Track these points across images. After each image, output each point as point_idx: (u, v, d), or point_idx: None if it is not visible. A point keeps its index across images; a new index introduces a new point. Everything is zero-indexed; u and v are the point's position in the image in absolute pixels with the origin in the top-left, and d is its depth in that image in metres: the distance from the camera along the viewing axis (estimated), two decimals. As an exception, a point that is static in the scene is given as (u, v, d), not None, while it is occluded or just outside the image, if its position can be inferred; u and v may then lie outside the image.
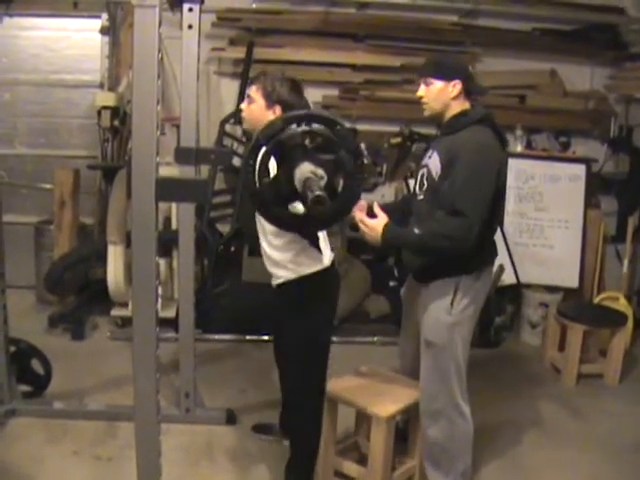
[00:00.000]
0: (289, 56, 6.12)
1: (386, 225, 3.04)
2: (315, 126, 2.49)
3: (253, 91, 3.18)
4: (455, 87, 3.13)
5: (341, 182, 2.54)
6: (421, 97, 3.22)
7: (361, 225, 3.09)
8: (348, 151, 2.50)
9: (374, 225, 3.05)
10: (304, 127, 2.49)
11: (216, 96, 6.30)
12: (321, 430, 3.32)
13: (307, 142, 2.48)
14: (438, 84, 3.15)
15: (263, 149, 2.49)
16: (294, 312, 3.17)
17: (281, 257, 3.10)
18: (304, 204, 2.44)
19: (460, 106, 3.17)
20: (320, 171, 2.43)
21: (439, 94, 3.15)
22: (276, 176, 2.51)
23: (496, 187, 3.06)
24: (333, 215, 2.61)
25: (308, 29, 6.13)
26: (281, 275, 3.15)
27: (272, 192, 2.52)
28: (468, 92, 3.18)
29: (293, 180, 2.44)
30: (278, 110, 3.11)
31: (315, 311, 3.16)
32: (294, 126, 2.49)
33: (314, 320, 3.16)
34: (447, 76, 3.13)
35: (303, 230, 2.84)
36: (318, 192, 2.29)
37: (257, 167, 2.49)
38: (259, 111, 3.15)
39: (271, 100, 3.13)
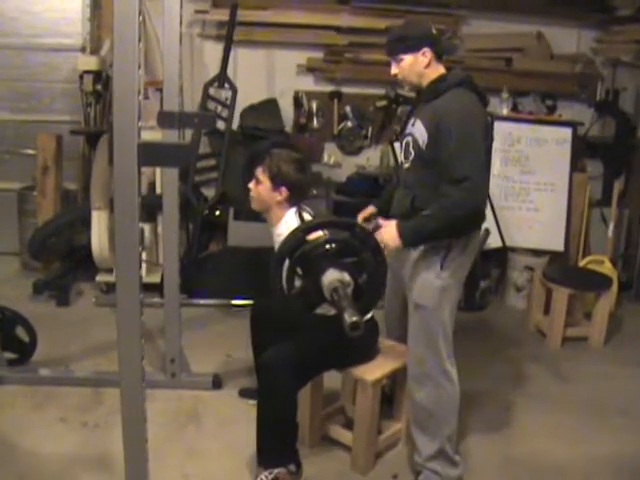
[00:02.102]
0: (273, 18, 6.07)
1: (397, 225, 3.03)
2: (334, 232, 2.64)
3: (260, 173, 3.29)
4: (425, 55, 3.10)
5: (365, 278, 2.66)
6: (395, 75, 3.19)
7: (378, 236, 3.07)
8: (368, 251, 2.62)
9: (387, 230, 3.03)
10: (325, 236, 2.63)
11: (200, 59, 6.23)
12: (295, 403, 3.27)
13: (329, 247, 2.60)
14: (408, 58, 3.11)
15: (287, 262, 2.61)
16: (322, 338, 3.21)
17: None
18: (335, 308, 2.52)
19: (436, 71, 3.14)
20: (346, 277, 2.53)
21: (412, 67, 3.12)
22: (303, 286, 2.63)
23: (485, 148, 3.06)
24: (362, 312, 2.60)
25: (292, -9, 6.05)
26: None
27: (300, 301, 2.67)
28: (439, 55, 3.15)
29: (321, 287, 2.53)
30: (284, 191, 3.26)
31: (341, 346, 3.19)
32: (314, 233, 2.66)
33: (330, 353, 3.27)
34: (414, 48, 3.09)
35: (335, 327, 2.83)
36: (353, 318, 2.35)
37: (284, 280, 2.62)
38: (266, 193, 3.29)
39: (277, 182, 3.26)
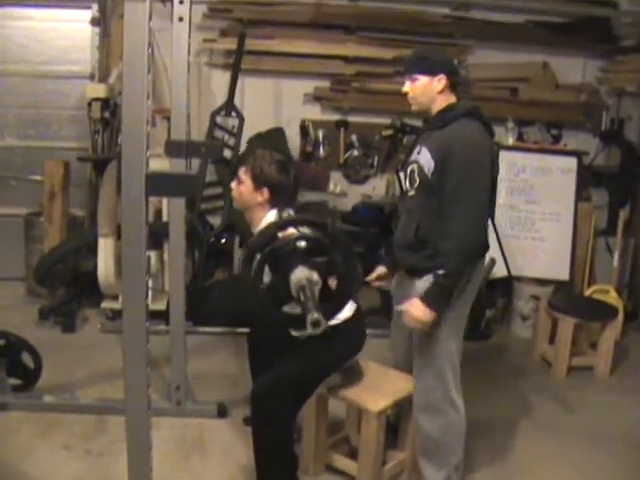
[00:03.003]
0: (280, 47, 6.12)
1: (421, 299, 3.05)
2: (306, 230, 2.60)
3: (242, 172, 3.28)
4: (440, 81, 3.12)
5: (334, 279, 2.63)
6: (407, 93, 3.21)
7: (409, 321, 3.10)
8: (340, 251, 2.57)
9: (414, 309, 3.06)
10: (296, 233, 2.60)
11: (207, 88, 6.27)
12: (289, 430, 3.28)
13: (300, 247, 2.57)
14: (423, 79, 3.14)
15: (257, 256, 2.59)
16: (305, 354, 3.20)
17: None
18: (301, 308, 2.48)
19: (446, 100, 3.16)
20: (315, 276, 2.49)
21: (424, 89, 3.15)
22: (272, 282, 2.59)
23: (490, 179, 3.08)
24: (328, 314, 2.59)
25: (300, 20, 6.10)
26: None
27: (269, 296, 2.62)
28: (453, 86, 3.18)
29: (289, 285, 2.50)
30: (266, 192, 3.22)
31: (326, 357, 3.22)
32: (288, 230, 2.63)
33: (314, 365, 3.23)
34: (432, 71, 3.12)
35: (300, 328, 2.83)
36: (316, 315, 2.32)
37: (252, 274, 2.59)
38: (247, 193, 3.26)
39: (259, 182, 3.23)
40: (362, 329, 3.44)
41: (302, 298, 2.41)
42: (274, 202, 3.27)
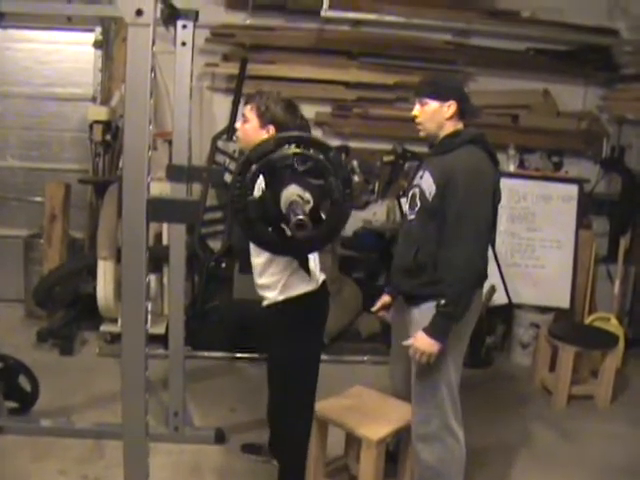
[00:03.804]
0: (282, 73, 6.13)
1: (425, 331, 3.04)
2: (307, 150, 2.46)
3: (247, 110, 3.18)
4: (450, 108, 3.13)
5: (327, 208, 2.49)
6: (416, 117, 3.21)
7: (415, 355, 3.08)
8: (338, 178, 2.46)
9: (420, 342, 3.05)
10: (296, 149, 2.45)
11: (209, 112, 6.29)
12: (307, 452, 3.29)
13: (298, 165, 2.44)
14: (433, 104, 3.14)
15: (253, 167, 2.46)
16: (281, 334, 3.14)
17: (269, 278, 3.07)
18: (287, 226, 2.40)
19: (453, 126, 3.17)
20: (307, 195, 2.40)
21: (434, 114, 3.15)
22: (263, 196, 2.47)
23: (492, 208, 3.08)
24: (315, 242, 2.57)
25: (302, 46, 6.13)
26: (269, 296, 3.12)
27: (258, 211, 2.48)
28: (462, 113, 3.18)
29: (280, 201, 2.41)
30: (272, 130, 3.10)
31: (302, 333, 3.13)
32: (286, 147, 2.46)
33: (301, 342, 3.13)
34: (442, 96, 3.13)
35: (283, 253, 2.80)
36: (301, 216, 2.25)
37: (245, 185, 2.46)
38: (253, 131, 3.14)
39: (265, 120, 3.13)
40: (327, 299, 3.33)
41: (290, 211, 2.32)
42: None
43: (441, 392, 3.14)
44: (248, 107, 3.20)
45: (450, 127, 3.16)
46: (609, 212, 6.47)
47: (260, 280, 3.13)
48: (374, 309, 3.60)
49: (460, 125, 3.18)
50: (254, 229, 2.53)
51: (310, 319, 3.17)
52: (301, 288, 3.07)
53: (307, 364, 3.21)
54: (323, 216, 2.47)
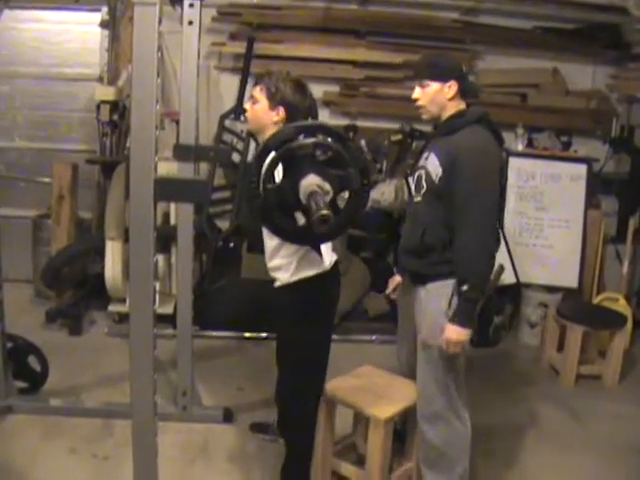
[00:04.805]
0: (290, 52, 6.11)
1: (451, 321, 3.04)
2: (327, 139, 2.45)
3: (257, 92, 3.14)
4: (451, 88, 3.10)
5: (345, 198, 2.50)
6: (417, 99, 3.19)
7: (451, 348, 3.07)
8: (357, 169, 2.46)
9: (450, 332, 3.05)
10: (316, 139, 2.44)
11: (216, 91, 6.27)
12: (314, 432, 3.30)
13: (318, 155, 2.43)
14: (434, 86, 3.12)
15: (272, 154, 2.44)
16: (293, 315, 3.13)
17: (281, 260, 3.06)
18: (306, 217, 2.40)
19: (456, 107, 3.14)
20: (327, 186, 2.39)
21: (435, 96, 3.13)
22: (281, 183, 2.45)
23: (499, 187, 3.07)
24: (332, 231, 2.55)
25: (309, 25, 6.10)
26: (281, 278, 3.11)
27: (275, 199, 2.47)
28: (463, 92, 3.15)
29: (298, 190, 2.39)
30: (282, 111, 3.07)
31: (314, 315, 3.12)
32: (304, 136, 2.45)
33: (313, 323, 3.12)
34: (443, 77, 3.10)
35: (298, 242, 2.80)
36: (324, 210, 2.22)
37: (263, 172, 2.44)
38: (263, 112, 3.11)
39: (275, 101, 3.08)
40: (339, 281, 3.33)
41: (311, 203, 2.30)
42: (290, 122, 3.03)
43: (445, 373, 3.14)
44: (257, 88, 3.15)
45: (453, 107, 3.14)
46: (618, 192, 6.44)
47: (272, 262, 3.11)
48: (388, 291, 3.59)
49: (463, 105, 3.16)
50: (271, 216, 2.53)
51: (322, 300, 3.16)
52: (313, 270, 3.05)
53: (318, 345, 3.20)
54: (340, 206, 2.47)
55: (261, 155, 2.46)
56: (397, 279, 3.55)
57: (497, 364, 5.35)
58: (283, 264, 3.06)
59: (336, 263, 3.24)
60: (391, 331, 3.89)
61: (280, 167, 2.44)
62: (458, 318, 3.03)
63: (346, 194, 2.49)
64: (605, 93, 6.50)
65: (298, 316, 3.11)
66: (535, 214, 5.93)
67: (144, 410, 2.31)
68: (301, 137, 2.45)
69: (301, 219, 2.47)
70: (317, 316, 3.14)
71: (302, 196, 2.37)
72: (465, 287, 2.98)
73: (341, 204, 2.50)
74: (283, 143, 2.43)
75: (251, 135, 5.54)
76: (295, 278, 3.05)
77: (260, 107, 3.11)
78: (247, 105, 3.23)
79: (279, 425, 3.47)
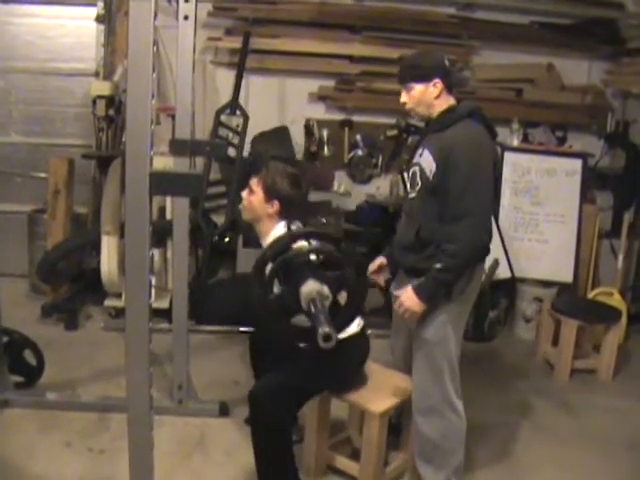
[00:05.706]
0: (285, 46, 6.11)
1: (414, 289, 3.06)
2: (320, 244, 2.60)
3: (254, 183, 3.27)
4: (436, 86, 3.11)
5: (344, 295, 2.61)
6: (404, 103, 3.20)
7: (399, 308, 3.12)
8: (351, 267, 2.56)
9: (407, 297, 3.08)
10: (310, 245, 2.60)
11: (212, 86, 6.27)
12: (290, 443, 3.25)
13: (313, 259, 2.56)
14: (418, 87, 3.13)
15: (270, 265, 2.58)
16: (305, 363, 3.18)
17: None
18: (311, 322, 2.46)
19: (445, 103, 3.15)
20: (325, 290, 2.48)
21: (421, 97, 3.14)
22: (282, 292, 2.58)
23: (493, 181, 3.08)
24: (339, 327, 2.57)
25: (305, 20, 6.09)
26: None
27: (278, 307, 2.60)
28: (450, 87, 3.16)
29: (299, 296, 2.49)
30: (276, 205, 3.22)
31: (324, 371, 3.19)
32: (299, 242, 2.62)
33: (319, 376, 3.24)
34: (426, 77, 3.11)
35: (308, 341, 2.82)
36: (327, 329, 2.29)
37: (264, 284, 2.58)
38: (258, 203, 3.25)
39: (271, 194, 3.22)
40: (367, 345, 3.44)
41: (313, 311, 2.40)
42: (284, 214, 3.27)
43: (442, 366, 3.16)
44: (255, 180, 3.28)
45: (442, 104, 3.14)
46: (613, 187, 6.46)
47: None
48: (371, 269, 3.57)
49: (451, 100, 3.17)
50: (277, 323, 2.71)
51: (346, 364, 3.29)
52: (345, 331, 3.03)
53: (327, 386, 3.36)
54: (341, 301, 2.60)
55: (259, 267, 2.62)
56: (381, 259, 3.55)
57: (492, 358, 5.37)
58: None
59: (364, 327, 3.35)
60: (386, 325, 3.89)
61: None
62: (419, 289, 3.05)
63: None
64: (600, 88, 6.50)
65: (316, 367, 3.16)
66: (530, 209, 5.94)
67: (140, 404, 2.31)
68: (296, 244, 2.62)
69: (306, 321, 2.55)
70: (334, 372, 3.25)
71: (303, 303, 2.47)
72: (438, 265, 3.00)
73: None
74: (279, 254, 2.59)
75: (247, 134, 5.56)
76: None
77: (256, 198, 3.26)
78: (244, 194, 3.34)
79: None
